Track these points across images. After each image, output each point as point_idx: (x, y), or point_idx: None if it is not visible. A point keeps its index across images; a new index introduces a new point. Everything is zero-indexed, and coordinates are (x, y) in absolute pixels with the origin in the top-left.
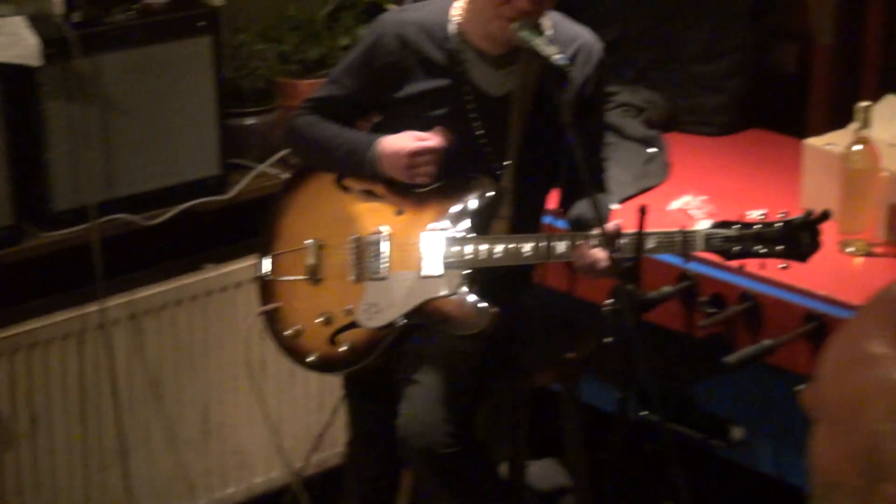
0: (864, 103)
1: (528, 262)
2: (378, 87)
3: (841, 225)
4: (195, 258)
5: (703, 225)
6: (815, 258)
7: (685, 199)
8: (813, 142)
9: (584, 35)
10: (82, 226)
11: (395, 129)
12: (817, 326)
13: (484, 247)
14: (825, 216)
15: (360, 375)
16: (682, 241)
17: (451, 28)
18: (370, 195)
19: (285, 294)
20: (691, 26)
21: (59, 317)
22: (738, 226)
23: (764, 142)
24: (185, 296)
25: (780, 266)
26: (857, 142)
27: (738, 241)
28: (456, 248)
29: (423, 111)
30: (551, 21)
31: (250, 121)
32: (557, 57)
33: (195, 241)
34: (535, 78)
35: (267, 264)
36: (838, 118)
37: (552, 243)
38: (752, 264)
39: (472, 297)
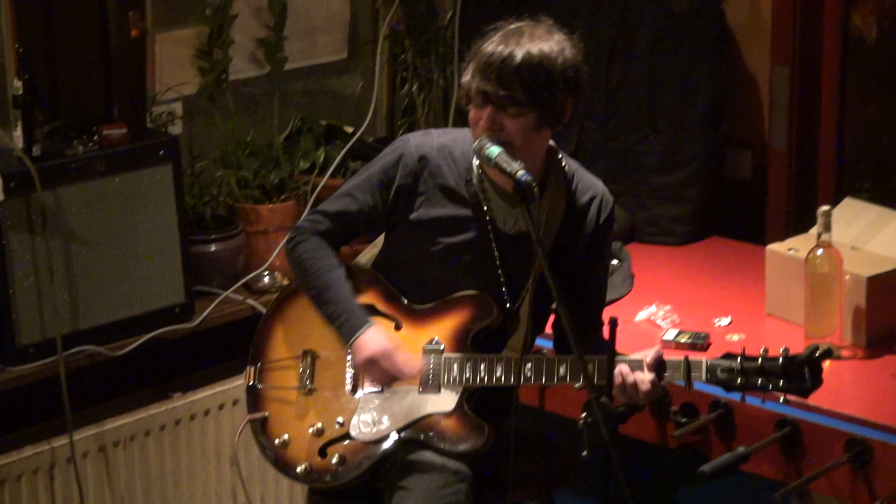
0: (824, 207)
1: (528, 384)
2: (393, 205)
3: (807, 329)
4: (163, 387)
5: (678, 335)
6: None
7: (651, 309)
8: (775, 247)
9: (599, 186)
10: (48, 359)
11: (405, 252)
12: (789, 432)
13: (484, 366)
14: (829, 353)
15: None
16: (687, 369)
17: (474, 160)
18: (369, 309)
19: (274, 403)
20: (648, 137)
21: (28, 451)
22: (741, 358)
23: (725, 249)
24: (153, 426)
25: (781, 400)
26: (819, 246)
27: (741, 373)
28: (457, 367)
29: (435, 237)
30: (571, 167)
31: (214, 247)
32: (521, 173)
33: (162, 369)
34: (558, 220)
35: (254, 373)
36: (796, 223)
37: (554, 365)
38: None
39: (469, 416)
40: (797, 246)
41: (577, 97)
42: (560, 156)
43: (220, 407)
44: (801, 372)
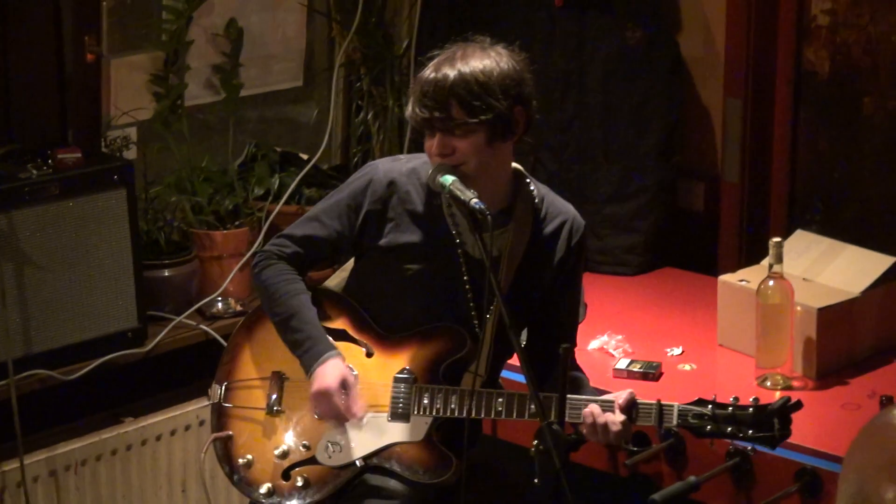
0: (775, 239)
1: (499, 418)
2: (361, 231)
3: (758, 360)
4: (115, 412)
5: (630, 364)
6: (735, 393)
7: (603, 338)
8: (727, 278)
9: (569, 210)
10: (0, 382)
11: (374, 278)
12: (740, 461)
13: (454, 398)
14: (798, 405)
15: None
16: (659, 413)
17: None
18: (340, 335)
19: (240, 423)
20: (601, 168)
21: None
22: (712, 405)
23: (677, 279)
24: (105, 450)
25: (748, 449)
26: (771, 277)
27: (712, 420)
28: (427, 397)
29: (405, 264)
30: (540, 192)
31: (167, 272)
32: (475, 201)
33: (114, 394)
34: (524, 244)
35: (221, 392)
36: (748, 254)
37: (526, 401)
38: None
39: (437, 447)
40: (749, 277)
41: (527, 105)
42: (528, 180)
43: (173, 432)
44: (771, 422)
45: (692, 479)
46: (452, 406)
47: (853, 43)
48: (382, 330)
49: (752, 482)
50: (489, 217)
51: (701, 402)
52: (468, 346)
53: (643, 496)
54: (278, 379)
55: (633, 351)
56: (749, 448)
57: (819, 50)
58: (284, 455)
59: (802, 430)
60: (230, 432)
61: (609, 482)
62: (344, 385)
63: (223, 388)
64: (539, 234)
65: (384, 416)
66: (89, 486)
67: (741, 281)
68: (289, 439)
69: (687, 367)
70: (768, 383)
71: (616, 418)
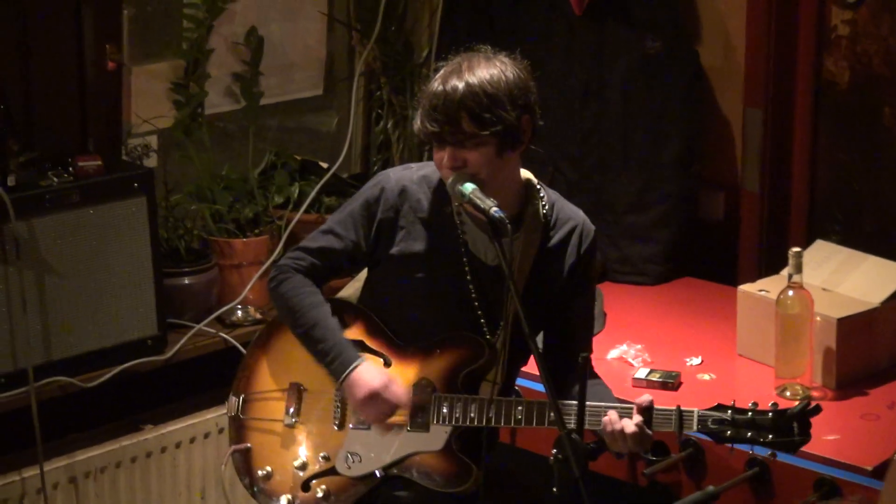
0: (795, 249)
1: (518, 426)
2: (375, 241)
3: (777, 370)
4: (134, 419)
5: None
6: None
7: (622, 347)
8: (746, 288)
9: (579, 216)
10: (20, 389)
11: (387, 287)
12: (759, 471)
13: (474, 407)
14: (817, 410)
15: None
16: (679, 419)
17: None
18: (358, 345)
19: (258, 435)
20: (621, 178)
21: None
22: (731, 410)
23: (696, 289)
24: (125, 457)
25: (769, 454)
26: (790, 287)
27: (732, 425)
28: (446, 406)
29: (415, 272)
30: (550, 199)
31: (187, 280)
32: (495, 210)
33: (134, 401)
34: (535, 251)
35: (239, 404)
36: (768, 264)
37: (545, 409)
38: None
39: (457, 456)
40: (768, 287)
41: (533, 114)
42: (538, 186)
43: (192, 440)
44: (790, 427)
45: (711, 488)
46: (472, 415)
47: (873, 53)
48: (397, 339)
49: (771, 492)
50: (508, 225)
51: (720, 408)
52: (486, 355)
53: None
54: (296, 390)
55: (652, 360)
56: (769, 454)
57: (839, 60)
58: (304, 466)
59: (821, 439)
60: (249, 444)
61: (628, 491)
62: (387, 384)
63: (241, 399)
64: (549, 240)
65: (404, 426)
66: (109, 494)
67: (761, 291)
68: (308, 450)
69: (706, 377)
70: (788, 393)
71: (633, 422)
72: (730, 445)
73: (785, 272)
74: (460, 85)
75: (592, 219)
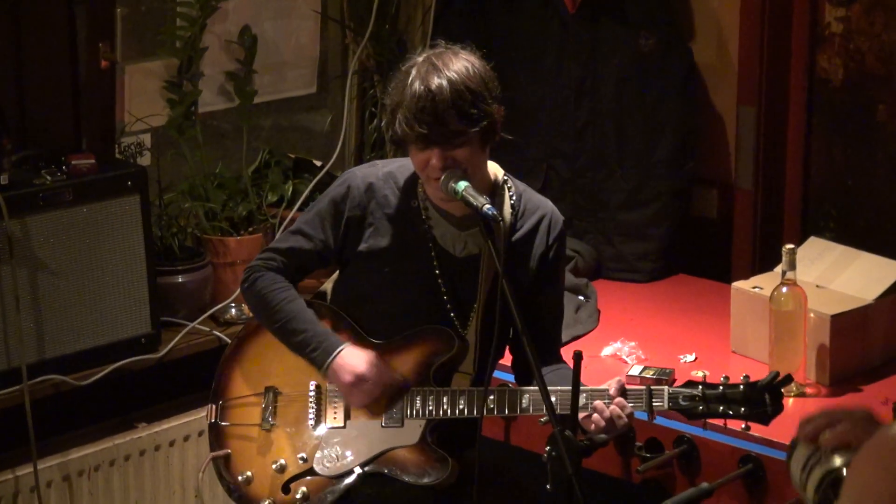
0: (788, 246)
1: (491, 416)
2: (344, 239)
3: (771, 366)
4: (128, 417)
5: (644, 371)
6: None
7: (616, 345)
8: (740, 285)
9: (547, 205)
10: (13, 388)
11: (357, 285)
12: (753, 468)
13: (446, 399)
14: (787, 380)
15: None
16: (649, 397)
17: (419, 186)
18: None
19: (237, 441)
20: (614, 175)
21: None
22: (702, 386)
23: (690, 286)
24: (118, 456)
25: (742, 427)
26: (784, 284)
27: (703, 400)
28: (419, 399)
29: (384, 267)
30: (518, 189)
31: (181, 278)
32: (487, 207)
33: (127, 400)
34: (504, 241)
35: (216, 411)
36: (761, 261)
37: (516, 397)
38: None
39: (432, 448)
40: (762, 284)
41: (501, 103)
42: (506, 177)
43: (186, 438)
44: (762, 398)
45: (704, 485)
46: (445, 407)
47: (867, 51)
48: (369, 336)
49: (765, 489)
50: (501, 222)
51: (691, 384)
52: (456, 346)
53: (655, 502)
54: (271, 394)
55: (646, 357)
56: (743, 427)
57: (833, 58)
58: (282, 469)
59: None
60: (228, 451)
61: (621, 488)
62: (373, 364)
63: (218, 406)
64: (517, 231)
65: (378, 423)
66: (102, 492)
67: (754, 288)
68: (286, 453)
69: (700, 374)
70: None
71: (622, 410)
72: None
73: (778, 269)
74: (444, 83)
75: (585, 217)
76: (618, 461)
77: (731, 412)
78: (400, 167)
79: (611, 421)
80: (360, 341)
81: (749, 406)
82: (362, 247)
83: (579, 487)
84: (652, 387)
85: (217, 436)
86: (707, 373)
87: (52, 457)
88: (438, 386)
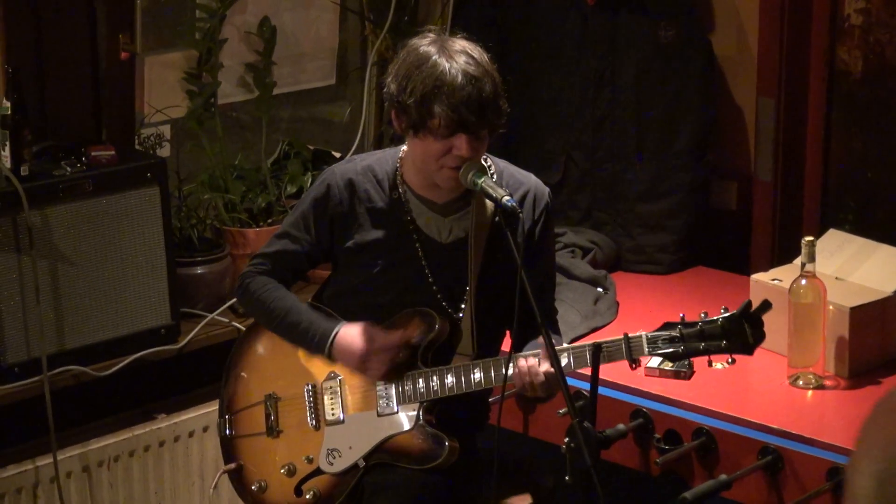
0: (808, 238)
1: (479, 388)
2: (329, 238)
3: (790, 359)
4: (147, 408)
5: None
6: (767, 392)
7: None
8: (759, 277)
9: (530, 180)
10: (34, 378)
11: (347, 280)
12: (772, 460)
13: (435, 378)
14: (766, 305)
15: None
16: (628, 347)
17: (398, 177)
18: None
19: (247, 450)
20: (633, 167)
21: (12, 470)
22: (680, 326)
23: (709, 278)
24: (138, 446)
25: (728, 361)
26: (803, 276)
27: (682, 340)
28: (409, 384)
29: (372, 261)
30: (498, 167)
31: (200, 269)
32: (507, 199)
33: (147, 390)
34: (489, 221)
35: (225, 424)
36: (780, 253)
37: (500, 367)
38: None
39: (429, 431)
40: (781, 276)
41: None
42: (484, 157)
43: (205, 429)
44: (742, 329)
45: (723, 477)
46: (435, 388)
47: (887, 42)
48: None
49: (784, 480)
50: (521, 213)
51: (669, 326)
52: (438, 324)
53: (674, 495)
54: (271, 400)
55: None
56: (729, 360)
57: (852, 49)
58: (292, 472)
59: (835, 429)
60: (237, 463)
61: (640, 480)
62: (370, 337)
63: (227, 420)
64: (502, 207)
65: (374, 413)
66: (122, 482)
67: (774, 280)
68: (293, 456)
69: (719, 366)
70: (800, 382)
71: (540, 368)
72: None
73: (798, 261)
74: (480, 74)
75: (604, 208)
76: (636, 453)
77: (712, 348)
78: (378, 160)
79: (530, 384)
80: None
81: (730, 339)
82: (349, 243)
83: (598, 479)
84: (628, 335)
85: (228, 448)
86: (726, 365)
87: (72, 447)
88: (430, 367)
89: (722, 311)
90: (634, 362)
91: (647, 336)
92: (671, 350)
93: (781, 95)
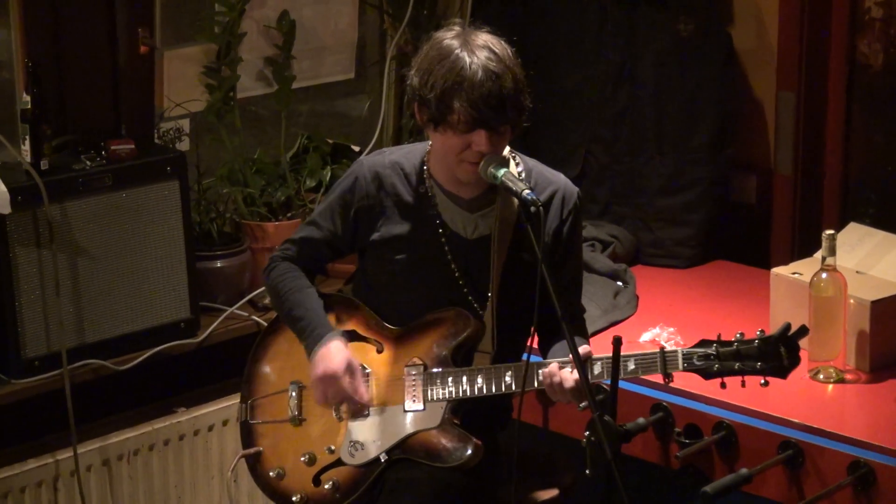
0: (828, 231)
1: (509, 392)
2: (355, 229)
3: (811, 353)
4: (167, 402)
5: None
6: (788, 386)
7: (655, 330)
8: (779, 271)
9: (559, 180)
10: (54, 372)
11: (374, 273)
12: (793, 454)
13: (465, 378)
14: (803, 331)
15: None
16: (662, 361)
17: (425, 171)
18: (351, 335)
19: (267, 436)
20: (653, 160)
21: (32, 464)
22: (716, 344)
23: (729, 272)
24: (157, 440)
25: (761, 383)
26: (824, 270)
27: (718, 359)
28: (438, 382)
29: (398, 254)
30: (527, 166)
31: (219, 263)
32: (527, 192)
33: (167, 384)
34: (514, 218)
35: (246, 409)
36: (801, 247)
37: (534, 369)
38: (733, 384)
39: (455, 430)
40: (802, 270)
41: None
42: (513, 154)
43: (224, 423)
44: (777, 351)
45: (744, 471)
46: (464, 387)
47: None
48: (389, 323)
49: (805, 475)
50: (541, 207)
51: (705, 343)
52: (472, 326)
53: (695, 489)
54: (296, 388)
55: (684, 343)
56: (762, 383)
57: (873, 42)
58: (312, 461)
59: (856, 423)
60: (259, 448)
61: (660, 474)
62: (349, 369)
63: (248, 405)
64: (524, 202)
65: (400, 408)
66: (142, 476)
67: (794, 274)
68: (314, 445)
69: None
70: (821, 376)
71: (569, 376)
72: (720, 381)
73: (818, 255)
74: (501, 71)
75: (624, 202)
76: (657, 447)
77: (747, 368)
78: (405, 154)
79: (559, 387)
80: (378, 329)
81: (765, 360)
82: (375, 236)
83: (618, 472)
84: (665, 350)
85: (248, 434)
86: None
87: (92, 441)
88: (458, 367)
89: (758, 333)
90: (668, 377)
91: (682, 352)
92: (704, 366)
93: (801, 89)
